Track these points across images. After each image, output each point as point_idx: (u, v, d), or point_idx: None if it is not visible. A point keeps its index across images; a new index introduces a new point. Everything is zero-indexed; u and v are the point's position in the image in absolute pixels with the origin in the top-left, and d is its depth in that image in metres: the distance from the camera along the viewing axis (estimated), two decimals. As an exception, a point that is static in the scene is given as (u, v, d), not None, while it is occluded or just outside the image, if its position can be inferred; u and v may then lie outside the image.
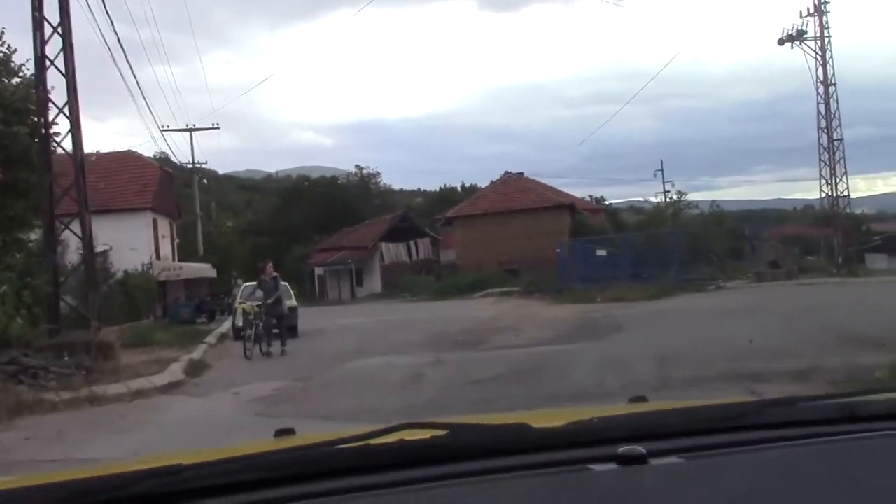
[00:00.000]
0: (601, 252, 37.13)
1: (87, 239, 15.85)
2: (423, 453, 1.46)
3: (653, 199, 57.01)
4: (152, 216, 34.55)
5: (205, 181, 56.06)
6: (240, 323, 18.90)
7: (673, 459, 1.46)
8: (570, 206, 47.35)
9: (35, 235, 20.85)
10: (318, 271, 57.54)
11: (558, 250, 38.88)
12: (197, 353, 18.45)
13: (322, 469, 1.41)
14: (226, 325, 27.54)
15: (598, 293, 29.87)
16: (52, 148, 16.09)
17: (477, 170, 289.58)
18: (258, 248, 56.83)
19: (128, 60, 39.94)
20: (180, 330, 25.74)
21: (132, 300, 29.21)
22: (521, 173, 52.32)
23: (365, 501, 1.36)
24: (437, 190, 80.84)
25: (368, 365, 14.64)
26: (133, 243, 31.43)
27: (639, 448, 1.44)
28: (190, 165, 50.09)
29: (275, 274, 18.65)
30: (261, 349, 17.73)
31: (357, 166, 78.70)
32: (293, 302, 24.29)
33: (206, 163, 54.99)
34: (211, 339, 23.12)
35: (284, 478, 1.40)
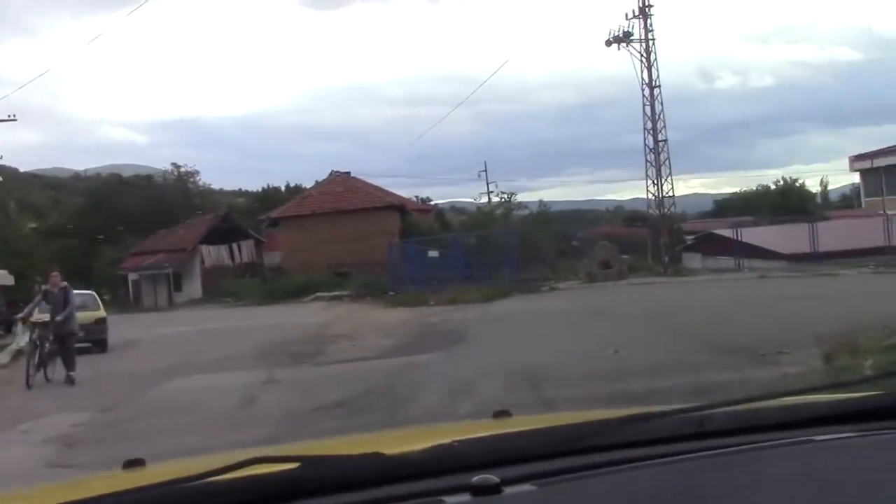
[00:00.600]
0: (433, 253, 36.64)
1: None
2: (274, 490, 1.33)
3: (479, 200, 57.15)
4: (-63, 217, 31.02)
5: (0, 178, 51.71)
6: (23, 342, 16.22)
7: (527, 487, 1.38)
8: (399, 207, 46.69)
9: None
10: (133, 276, 54.44)
11: (389, 251, 37.87)
12: (-18, 376, 15.95)
13: None
14: (24, 340, 24.71)
15: (431, 295, 29.07)
16: None
17: (301, 169, 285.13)
18: (65, 252, 53.27)
19: None
20: (-31, 346, 22.90)
21: (-89, 313, 25.84)
22: (349, 173, 51.10)
23: None
24: (260, 190, 78.23)
25: (189, 388, 12.77)
26: (-87, 248, 28.05)
27: (492, 477, 1.35)
28: (-16, 162, 46.11)
29: (63, 284, 16.13)
30: (46, 375, 15.21)
31: (174, 164, 74.61)
32: (102, 312, 22.32)
33: (1, 157, 50.43)
34: (3, 357, 20.39)
35: None
